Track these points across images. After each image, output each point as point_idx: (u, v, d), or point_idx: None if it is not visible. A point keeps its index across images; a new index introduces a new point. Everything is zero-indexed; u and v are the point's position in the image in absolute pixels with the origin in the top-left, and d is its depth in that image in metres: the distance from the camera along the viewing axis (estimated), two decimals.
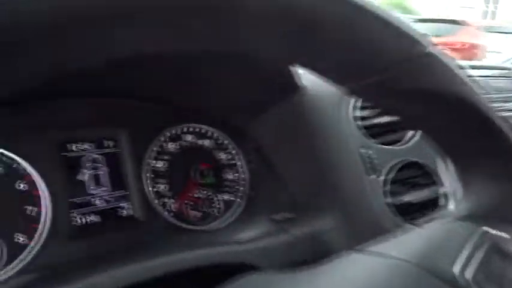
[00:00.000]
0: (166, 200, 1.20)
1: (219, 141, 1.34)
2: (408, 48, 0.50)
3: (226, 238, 1.15)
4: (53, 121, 1.09)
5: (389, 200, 1.22)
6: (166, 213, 1.18)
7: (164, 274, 0.93)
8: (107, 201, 1.12)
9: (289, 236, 1.10)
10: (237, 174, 1.34)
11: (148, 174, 1.18)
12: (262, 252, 1.05)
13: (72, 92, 1.11)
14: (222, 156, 1.34)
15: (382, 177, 1.24)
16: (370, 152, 1.24)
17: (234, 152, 1.35)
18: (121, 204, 1.14)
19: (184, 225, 1.19)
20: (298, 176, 1.26)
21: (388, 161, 1.28)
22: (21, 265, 0.95)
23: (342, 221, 1.14)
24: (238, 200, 1.32)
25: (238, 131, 1.37)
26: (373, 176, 1.22)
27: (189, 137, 1.30)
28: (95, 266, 0.95)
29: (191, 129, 1.30)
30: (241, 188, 1.33)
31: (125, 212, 1.13)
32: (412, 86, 0.53)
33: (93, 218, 1.09)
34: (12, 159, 1.01)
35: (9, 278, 0.94)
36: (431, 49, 0.51)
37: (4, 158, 1.00)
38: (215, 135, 1.34)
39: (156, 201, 1.17)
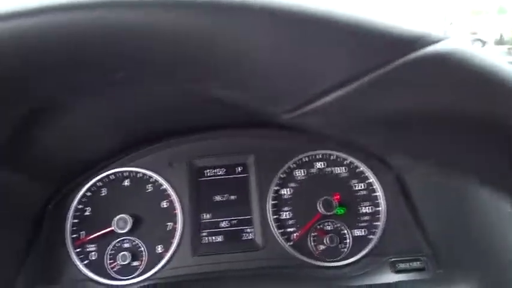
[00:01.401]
0: (288, 229, 1.18)
1: (355, 170, 1.22)
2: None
3: (341, 280, 1.03)
4: (193, 150, 1.25)
5: None
6: (285, 242, 1.16)
7: None
8: (232, 224, 1.20)
9: None
10: (373, 208, 1.19)
11: (272, 201, 1.19)
12: None
13: (210, 126, 1.25)
14: (358, 185, 1.21)
15: None
16: None
17: (371, 181, 1.20)
18: (244, 228, 1.19)
19: (304, 258, 1.14)
20: (442, 221, 1.00)
21: None
22: (153, 271, 1.13)
23: None
24: (370, 236, 1.16)
25: (377, 159, 1.21)
26: None
27: (320, 164, 1.24)
28: (214, 282, 1.04)
29: (325, 156, 1.24)
30: (376, 223, 1.17)
31: (246, 236, 1.18)
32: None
33: (218, 237, 1.18)
34: (160, 183, 1.22)
35: (147, 279, 1.13)
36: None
37: (154, 181, 1.22)
38: (351, 162, 1.23)
39: (277, 230, 1.17)
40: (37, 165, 1.05)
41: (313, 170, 1.23)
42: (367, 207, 1.19)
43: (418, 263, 0.97)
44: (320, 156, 1.24)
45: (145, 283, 1.11)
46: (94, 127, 1.07)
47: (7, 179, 0.99)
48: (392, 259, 1.01)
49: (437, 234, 1.00)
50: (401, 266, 0.98)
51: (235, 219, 1.20)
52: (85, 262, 1.15)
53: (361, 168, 1.22)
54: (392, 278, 0.97)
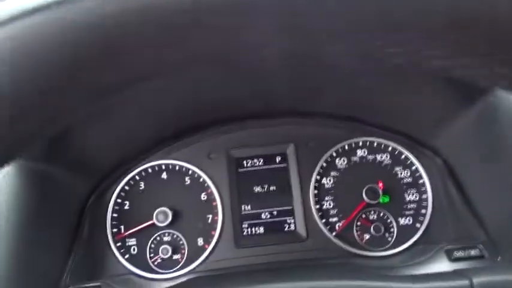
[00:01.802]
0: (331, 219, 1.15)
1: (399, 156, 1.18)
2: None
3: (393, 270, 0.99)
4: (232, 141, 1.22)
5: None
6: (329, 232, 1.12)
7: None
8: (273, 215, 1.17)
9: (467, 282, 0.85)
10: (418, 195, 1.15)
11: (313, 191, 1.16)
12: None
13: (248, 115, 1.22)
14: (403, 173, 1.17)
15: None
16: None
17: (416, 167, 1.16)
18: (285, 219, 1.16)
19: (349, 248, 1.11)
20: (497, 205, 0.96)
21: None
22: (195, 265, 1.11)
23: None
24: (417, 224, 1.12)
25: (421, 145, 1.17)
26: None
27: (361, 152, 1.20)
28: (256, 275, 1.01)
29: (366, 143, 1.20)
30: (423, 211, 1.13)
31: (288, 227, 1.15)
32: None
33: (259, 229, 1.16)
34: (199, 175, 1.19)
35: (189, 272, 1.11)
36: None
37: (192, 173, 1.20)
38: (394, 149, 1.18)
39: (320, 220, 1.13)
40: (78, 159, 1.05)
41: (354, 158, 1.19)
42: (412, 195, 1.15)
43: (475, 250, 0.93)
44: (361, 144, 1.20)
45: (188, 276, 1.09)
46: (135, 120, 1.05)
47: (50, 174, 0.99)
48: (447, 247, 0.97)
49: (493, 220, 0.95)
50: (458, 254, 0.93)
51: (276, 210, 1.17)
52: (126, 256, 1.14)
53: (405, 155, 1.17)
54: (449, 266, 0.92)
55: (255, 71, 0.92)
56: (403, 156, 1.18)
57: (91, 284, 1.00)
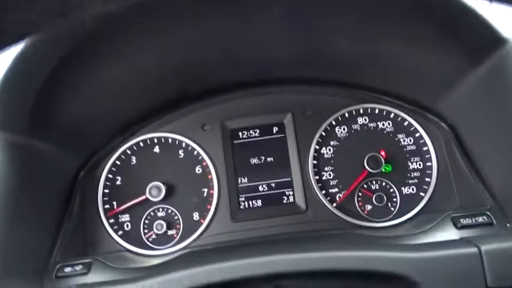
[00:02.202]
0: (331, 190, 1.10)
1: (402, 123, 1.12)
2: None
3: (397, 239, 0.95)
4: (226, 111, 1.16)
5: None
6: (329, 204, 1.08)
7: (322, 269, 0.83)
8: (271, 187, 1.12)
9: (475, 250, 0.80)
10: (422, 163, 1.09)
11: (312, 161, 1.11)
12: (435, 264, 0.80)
13: (242, 83, 1.16)
14: (406, 140, 1.12)
15: None
16: None
17: (420, 134, 1.10)
18: (284, 191, 1.12)
19: (351, 220, 1.07)
20: (506, 170, 0.90)
21: None
22: (190, 240, 1.07)
23: None
24: (421, 193, 1.07)
25: (425, 110, 1.11)
26: None
27: (363, 119, 1.14)
28: (253, 248, 0.97)
29: (367, 110, 1.14)
30: (427, 180, 1.08)
31: (286, 199, 1.11)
32: None
33: (257, 202, 1.11)
34: (193, 148, 1.14)
35: (184, 248, 1.07)
36: None
37: (185, 146, 1.15)
38: (397, 115, 1.13)
39: (319, 191, 1.09)
40: (65, 132, 1.00)
41: (355, 126, 1.14)
42: (416, 163, 1.10)
43: (483, 217, 0.88)
44: (362, 111, 1.14)
45: (184, 251, 1.05)
46: (123, 86, 0.99)
47: (37, 148, 0.94)
48: (454, 215, 0.92)
49: (502, 185, 0.90)
50: (465, 221, 0.89)
51: (274, 183, 1.12)
52: (119, 233, 1.10)
53: (408, 121, 1.12)
54: (455, 234, 0.88)
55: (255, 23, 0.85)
56: (406, 123, 1.12)
57: (81, 261, 0.96)
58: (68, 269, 0.93)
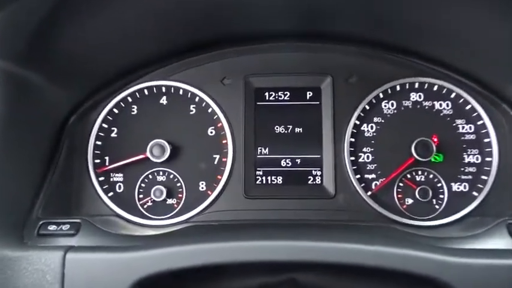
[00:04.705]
0: (367, 175, 0.93)
1: (463, 106, 0.93)
2: None
3: (443, 242, 0.79)
4: (253, 65, 0.97)
5: None
6: (363, 191, 0.91)
7: (342, 263, 0.68)
8: (295, 163, 0.95)
9: None
10: (481, 157, 0.91)
11: (349, 139, 0.93)
12: (482, 274, 0.65)
13: (277, 34, 0.95)
14: (465, 127, 0.93)
15: None
16: None
17: (483, 122, 0.91)
18: (311, 170, 0.94)
19: (385, 213, 0.90)
20: None
21: None
22: (193, 213, 0.91)
23: None
24: (474, 192, 0.90)
25: (494, 94, 0.92)
26: None
27: (417, 96, 0.95)
28: (264, 231, 0.81)
29: (424, 86, 0.95)
30: (483, 177, 0.90)
31: (312, 180, 0.93)
32: None
33: (277, 178, 0.94)
34: (207, 104, 0.95)
35: (185, 221, 0.91)
36: None
37: (199, 101, 0.96)
38: (459, 96, 0.93)
39: (353, 174, 0.91)
40: (62, 68, 0.84)
41: (406, 103, 0.95)
42: (473, 156, 0.92)
43: None
44: (418, 86, 0.95)
45: (184, 225, 0.88)
46: (134, 20, 0.82)
47: (31, 81, 0.80)
48: (510, 221, 0.78)
49: None
50: None
51: (300, 158, 0.95)
52: (110, 194, 0.95)
53: (471, 105, 0.93)
54: (510, 243, 0.74)
55: None
56: (468, 107, 0.93)
57: (69, 220, 0.82)
58: (52, 227, 0.81)
